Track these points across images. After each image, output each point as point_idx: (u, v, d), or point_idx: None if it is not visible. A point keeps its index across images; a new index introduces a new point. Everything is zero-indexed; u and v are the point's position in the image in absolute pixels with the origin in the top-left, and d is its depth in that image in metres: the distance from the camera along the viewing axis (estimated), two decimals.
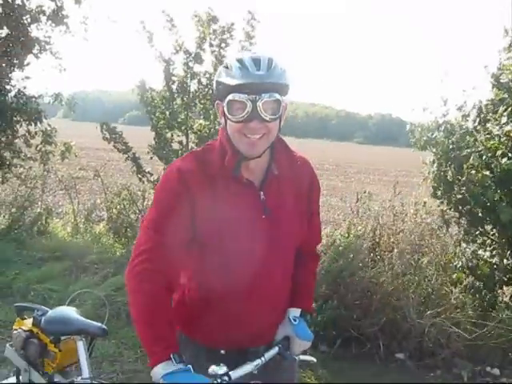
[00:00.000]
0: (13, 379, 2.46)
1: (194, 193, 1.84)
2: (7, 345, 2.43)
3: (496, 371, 4.53)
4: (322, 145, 59.20)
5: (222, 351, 1.99)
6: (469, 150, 4.65)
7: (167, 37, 6.59)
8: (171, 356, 1.71)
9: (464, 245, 5.12)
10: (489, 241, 5.01)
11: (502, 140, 4.54)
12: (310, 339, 2.08)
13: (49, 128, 8.02)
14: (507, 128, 4.50)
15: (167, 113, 6.68)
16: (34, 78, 8.18)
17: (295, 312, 2.11)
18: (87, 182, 9.83)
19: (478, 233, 5.01)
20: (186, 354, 1.90)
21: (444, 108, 5.08)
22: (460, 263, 4.93)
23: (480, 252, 5.06)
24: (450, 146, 4.84)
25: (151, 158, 6.89)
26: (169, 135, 6.82)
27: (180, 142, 6.84)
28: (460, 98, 5.05)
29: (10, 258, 6.50)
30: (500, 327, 4.63)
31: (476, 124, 4.97)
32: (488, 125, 4.80)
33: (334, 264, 5.03)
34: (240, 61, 1.80)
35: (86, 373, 2.22)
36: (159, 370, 1.70)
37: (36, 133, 7.98)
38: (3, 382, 2.54)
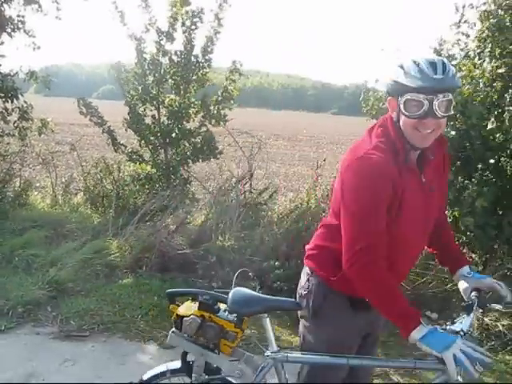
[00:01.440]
0: (177, 363, 2.52)
1: (391, 180, 2.07)
2: (170, 332, 2.44)
3: (435, 315, 5.06)
4: (297, 116, 59.41)
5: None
6: None
7: (139, 15, 6.97)
8: (421, 322, 2.01)
9: None
10: None
11: None
12: (489, 276, 2.39)
13: (25, 105, 8.20)
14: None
15: (140, 88, 7.07)
16: (8, 56, 8.33)
17: (465, 269, 2.39)
18: (64, 157, 10.13)
19: None
20: (329, 302, 2.33)
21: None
22: None
23: None
24: None
25: (126, 130, 7.30)
26: (141, 110, 7.22)
27: (153, 116, 7.25)
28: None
29: None
30: (439, 277, 5.16)
31: None
32: None
33: (295, 225, 5.52)
34: (416, 63, 2.01)
35: (274, 347, 2.33)
36: (415, 336, 1.98)
37: (13, 109, 8.14)
38: (169, 365, 2.55)
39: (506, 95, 5.01)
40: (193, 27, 6.88)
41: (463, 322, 2.10)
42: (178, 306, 2.44)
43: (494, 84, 5.06)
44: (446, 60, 2.07)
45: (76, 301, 5.15)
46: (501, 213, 5.17)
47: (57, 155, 8.99)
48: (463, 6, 5.42)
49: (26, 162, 8.70)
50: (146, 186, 7.33)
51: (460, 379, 1.95)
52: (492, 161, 5.03)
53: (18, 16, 8.15)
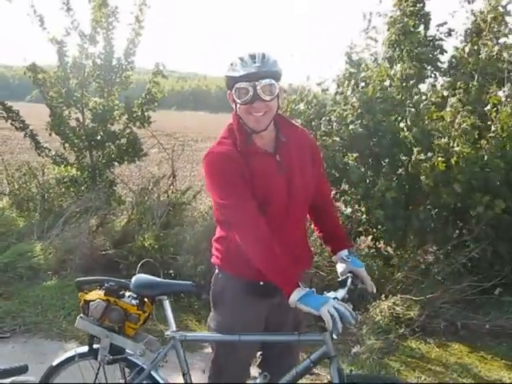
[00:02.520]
0: (85, 348, 2.68)
1: (237, 168, 2.32)
2: (78, 317, 2.59)
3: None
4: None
5: (261, 282, 2.40)
6: (323, 119, 5.41)
7: (60, 19, 6.99)
8: (299, 284, 2.20)
9: None
10: (348, 198, 5.77)
11: (349, 109, 5.29)
12: (363, 265, 2.56)
13: None
14: (353, 99, 5.28)
15: (63, 91, 7.07)
16: None
17: (343, 252, 2.60)
18: None
19: (337, 192, 5.76)
20: (228, 290, 2.51)
21: (307, 83, 5.82)
22: None
23: (344, 209, 5.84)
24: (311, 116, 5.57)
25: (50, 134, 7.29)
26: (66, 113, 7.22)
27: (77, 119, 7.26)
28: (320, 74, 5.79)
29: None
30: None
31: (334, 96, 5.76)
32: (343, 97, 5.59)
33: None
34: (240, 58, 2.30)
35: (173, 327, 2.54)
36: (294, 297, 2.17)
37: None
38: (77, 349, 2.74)
39: (411, 94, 5.35)
40: (110, 27, 6.93)
41: (338, 292, 2.32)
42: (86, 293, 2.61)
43: (404, 84, 5.39)
44: (267, 51, 2.34)
45: None
46: (411, 208, 5.47)
47: None
48: (370, 13, 5.74)
49: None
50: (72, 189, 7.32)
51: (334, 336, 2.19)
52: (404, 157, 5.31)
53: None
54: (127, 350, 2.56)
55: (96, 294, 2.58)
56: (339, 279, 2.50)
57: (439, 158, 4.77)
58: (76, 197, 7.07)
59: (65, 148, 7.31)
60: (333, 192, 5.77)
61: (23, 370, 2.49)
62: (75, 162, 7.37)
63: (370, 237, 5.83)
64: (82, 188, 7.25)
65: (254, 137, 2.40)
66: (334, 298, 2.20)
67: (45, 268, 5.87)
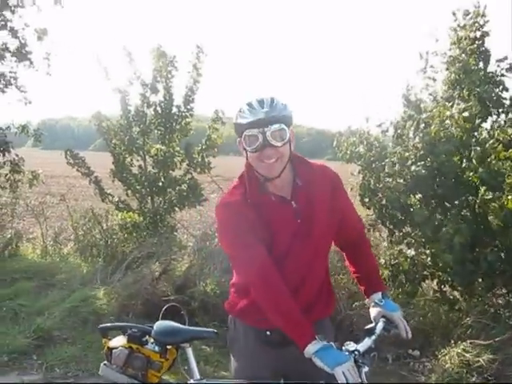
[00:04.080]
0: None
1: (245, 216, 2.25)
2: (102, 364, 2.58)
3: (416, 353, 5.12)
4: None
5: (268, 332, 2.38)
6: (386, 161, 5.33)
7: (123, 69, 7.24)
8: (316, 337, 2.13)
9: (387, 244, 5.75)
10: (412, 240, 5.62)
11: (411, 150, 5.19)
12: (399, 308, 2.43)
13: (16, 158, 8.39)
14: (415, 140, 5.18)
15: (126, 139, 7.28)
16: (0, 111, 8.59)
17: (377, 295, 2.46)
18: (57, 208, 10.31)
19: (401, 234, 5.63)
20: (238, 337, 2.50)
21: (366, 125, 5.76)
22: (383, 261, 5.56)
23: (407, 251, 5.69)
24: (371, 159, 5.50)
25: (113, 181, 7.48)
26: (128, 160, 7.42)
27: (139, 166, 7.44)
28: (379, 116, 5.73)
29: None
30: (419, 315, 5.24)
31: (394, 138, 5.68)
32: (404, 138, 5.50)
33: None
34: (249, 104, 2.23)
35: (196, 375, 2.48)
36: (309, 350, 2.08)
37: (4, 163, 8.31)
38: None
39: (475, 134, 5.21)
40: (169, 76, 7.12)
41: (362, 344, 2.20)
42: (110, 339, 2.61)
43: (463, 123, 5.26)
44: (275, 97, 2.26)
45: (61, 348, 5.20)
46: (477, 249, 5.27)
47: (47, 206, 9.13)
48: (427, 53, 5.66)
49: (17, 213, 8.83)
50: (134, 235, 7.44)
51: None
52: (470, 198, 5.16)
53: (11, 72, 8.44)
54: None
55: (119, 341, 2.56)
56: (366, 327, 2.36)
57: (509, 197, 4.58)
58: (138, 242, 7.17)
59: (127, 194, 7.48)
60: (396, 234, 5.65)
61: None
62: (137, 207, 7.51)
63: (435, 281, 5.63)
64: (144, 233, 7.35)
65: (268, 184, 2.32)
66: (355, 351, 2.11)
67: (108, 313, 5.90)
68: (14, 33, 8.23)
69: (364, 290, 2.56)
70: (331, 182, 2.45)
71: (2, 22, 7.97)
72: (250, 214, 2.27)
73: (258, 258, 2.23)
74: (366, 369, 2.10)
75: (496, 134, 4.98)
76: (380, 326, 2.34)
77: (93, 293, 6.26)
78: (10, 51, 8.34)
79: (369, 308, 2.51)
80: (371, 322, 2.45)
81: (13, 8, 8.17)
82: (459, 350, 4.73)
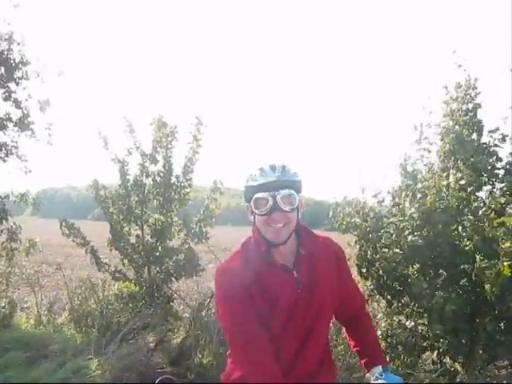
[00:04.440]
0: None
1: (243, 284, 2.25)
2: None
3: None
4: None
5: None
6: (382, 231, 5.34)
7: (123, 139, 7.35)
8: None
9: (383, 316, 5.69)
10: (410, 311, 5.56)
11: (407, 221, 5.21)
12: (401, 380, 2.44)
13: (14, 226, 8.39)
14: (411, 210, 5.21)
15: (124, 208, 7.31)
16: (0, 179, 8.64)
17: (377, 369, 2.46)
18: (53, 277, 10.25)
19: (399, 304, 5.57)
20: None
21: (362, 195, 5.82)
22: (379, 332, 5.48)
23: (406, 322, 5.62)
24: (368, 229, 5.52)
25: (110, 250, 7.46)
26: (126, 229, 7.42)
27: (137, 236, 7.44)
28: (374, 187, 5.79)
29: None
30: None
31: (390, 207, 5.72)
32: (400, 207, 5.54)
33: None
34: (260, 168, 2.29)
35: None
36: None
37: (2, 231, 8.29)
38: None
39: (470, 202, 5.24)
40: (169, 146, 7.22)
41: None
42: None
43: (460, 193, 5.31)
44: (287, 163, 2.31)
45: None
46: (477, 320, 5.20)
47: (43, 275, 9.06)
48: (421, 125, 5.78)
49: (12, 282, 8.75)
50: (130, 305, 7.35)
51: None
52: (466, 266, 5.13)
53: (12, 141, 8.56)
54: None
55: None
56: None
57: (505, 263, 4.57)
58: (134, 313, 7.07)
59: (123, 264, 7.44)
60: (394, 305, 5.60)
61: None
62: (134, 277, 7.46)
63: (435, 352, 5.53)
64: (140, 304, 7.27)
65: (273, 251, 2.33)
66: None
67: None
68: (17, 104, 8.41)
69: (364, 364, 2.54)
70: (335, 254, 2.48)
71: (7, 93, 8.13)
72: (248, 280, 2.26)
73: (245, 335, 2.23)
74: None
75: (488, 202, 5.02)
76: None
77: (86, 363, 6.13)
78: (12, 121, 8.49)
79: (368, 381, 2.48)
80: None
81: (17, 80, 8.39)
82: None
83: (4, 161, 8.49)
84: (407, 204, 5.31)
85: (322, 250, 2.43)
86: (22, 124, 8.51)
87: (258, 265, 2.31)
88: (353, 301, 2.60)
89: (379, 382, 2.39)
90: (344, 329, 2.71)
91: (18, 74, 8.35)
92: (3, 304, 8.25)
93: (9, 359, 6.39)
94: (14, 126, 8.49)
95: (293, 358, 2.30)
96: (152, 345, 6.10)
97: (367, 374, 2.51)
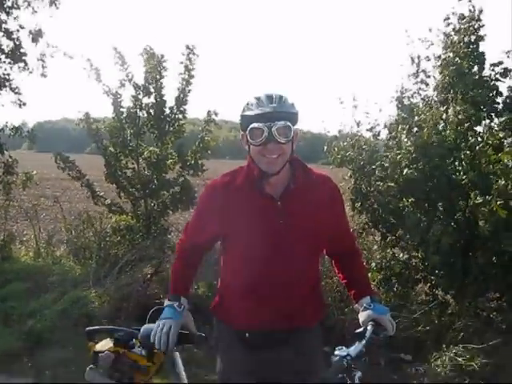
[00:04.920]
0: None
1: (221, 203, 2.36)
2: (87, 368, 2.51)
3: (409, 357, 5.12)
4: None
5: (247, 334, 2.44)
6: (377, 164, 5.33)
7: (115, 72, 7.22)
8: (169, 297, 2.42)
9: (377, 249, 5.77)
10: (405, 244, 5.62)
11: (404, 154, 5.19)
12: (388, 311, 2.43)
13: (10, 159, 8.38)
14: (408, 144, 5.18)
15: (119, 141, 7.26)
16: None
17: (365, 300, 2.47)
18: (51, 210, 10.29)
19: (393, 238, 5.62)
20: (221, 337, 2.57)
21: (357, 129, 5.77)
22: (374, 264, 5.56)
23: (400, 255, 5.69)
24: (362, 163, 5.50)
25: (107, 182, 7.47)
26: (123, 162, 7.40)
27: (133, 169, 7.42)
28: (370, 120, 5.74)
29: None
30: (411, 319, 5.23)
31: (386, 141, 5.70)
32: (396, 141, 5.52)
33: None
34: (257, 98, 2.26)
35: (184, 379, 2.54)
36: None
37: None
38: None
39: (468, 136, 5.20)
40: (158, 77, 7.10)
41: (353, 348, 2.17)
42: (97, 343, 2.55)
43: (459, 128, 5.26)
44: (284, 94, 2.29)
45: (52, 351, 5.20)
46: (470, 253, 5.27)
47: (41, 209, 9.11)
48: (419, 57, 5.67)
49: (10, 215, 8.80)
50: (127, 237, 7.41)
51: None
52: (461, 202, 5.14)
53: (4, 74, 8.42)
54: None
55: (106, 345, 2.52)
56: (356, 331, 2.35)
57: (498, 202, 4.58)
58: (131, 245, 7.14)
59: (120, 197, 7.45)
60: (389, 238, 5.65)
61: None
62: (131, 210, 7.49)
63: (427, 284, 5.62)
64: (137, 236, 7.33)
65: (264, 181, 2.34)
66: (346, 356, 2.09)
67: (100, 316, 5.88)
68: (8, 34, 8.22)
69: (353, 295, 2.57)
70: (329, 191, 2.47)
71: None
72: (225, 199, 2.37)
73: (183, 246, 2.62)
74: (358, 373, 2.09)
75: (485, 138, 4.98)
76: (369, 329, 2.32)
77: (84, 294, 6.25)
78: (4, 52, 8.32)
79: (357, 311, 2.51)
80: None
81: (8, 9, 8.17)
82: (451, 354, 4.74)
83: None
84: (403, 137, 5.28)
85: (314, 185, 2.42)
86: (14, 55, 8.35)
87: (243, 189, 2.35)
88: (343, 239, 2.61)
89: (366, 312, 2.41)
90: (333, 263, 2.74)
91: (8, 3, 8.14)
92: (2, 237, 8.33)
93: (9, 290, 6.52)
94: (6, 57, 8.34)
95: (272, 289, 2.36)
96: (148, 275, 6.19)
97: (355, 305, 2.54)
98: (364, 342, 2.24)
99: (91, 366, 2.51)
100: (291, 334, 2.44)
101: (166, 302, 2.41)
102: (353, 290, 2.57)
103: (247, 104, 2.30)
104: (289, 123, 2.23)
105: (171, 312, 2.35)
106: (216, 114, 7.35)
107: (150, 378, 2.48)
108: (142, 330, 2.44)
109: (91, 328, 2.67)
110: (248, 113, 2.27)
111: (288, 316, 2.38)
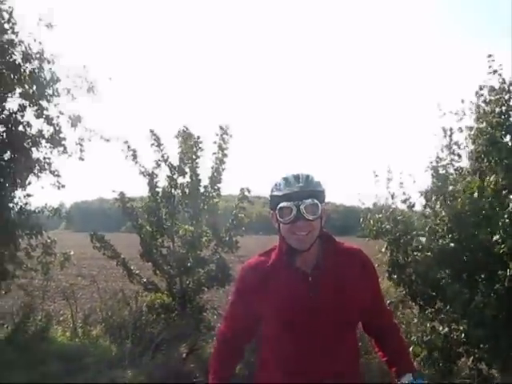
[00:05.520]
0: None
1: (257, 282, 2.40)
2: None
3: None
4: None
5: None
6: (413, 233, 5.31)
7: (151, 153, 7.43)
8: None
9: (417, 321, 5.63)
10: (444, 316, 5.50)
11: (439, 224, 5.17)
12: None
13: (48, 240, 8.53)
14: (442, 214, 5.17)
15: (154, 220, 7.38)
16: (34, 195, 8.78)
17: (407, 377, 2.44)
18: (88, 289, 10.38)
19: (432, 310, 5.51)
20: None
21: (392, 201, 5.79)
22: (415, 338, 5.42)
23: (439, 328, 5.55)
24: (398, 234, 5.49)
25: (143, 260, 7.54)
26: (159, 241, 7.49)
27: (168, 247, 7.49)
28: (404, 191, 5.76)
29: (14, 361, 6.81)
30: None
31: (422, 209, 5.70)
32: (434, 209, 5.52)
33: None
34: (285, 178, 2.36)
35: None
36: None
37: (37, 245, 8.37)
38: None
39: (505, 204, 5.16)
40: (194, 157, 7.26)
41: None
42: None
43: (495, 196, 5.24)
44: (310, 173, 2.38)
45: None
46: None
47: (78, 288, 9.19)
48: (451, 129, 5.75)
49: (48, 295, 8.89)
50: (163, 316, 7.40)
51: None
52: (500, 272, 5.05)
53: (45, 158, 8.71)
54: None
55: None
56: None
57: None
58: (166, 323, 7.12)
59: (156, 274, 7.49)
60: (428, 311, 5.54)
61: None
62: (166, 288, 7.51)
63: (471, 358, 5.44)
64: (172, 315, 7.31)
65: (296, 258, 2.38)
66: None
67: None
68: (49, 120, 8.56)
69: (394, 372, 2.51)
70: (361, 264, 2.48)
71: (39, 111, 8.27)
72: (262, 276, 2.39)
73: (226, 329, 2.57)
74: None
75: None
76: None
77: (121, 374, 6.20)
78: (44, 138, 8.63)
79: None
80: None
81: (48, 97, 8.55)
82: None
83: (38, 176, 8.63)
84: (438, 207, 5.27)
85: (345, 259, 2.43)
86: (54, 140, 8.62)
87: (276, 266, 2.40)
88: (379, 313, 2.59)
89: None
90: (373, 341, 2.69)
91: (49, 91, 8.52)
92: (40, 317, 8.38)
93: (46, 371, 6.48)
94: (47, 142, 8.63)
95: (302, 363, 2.34)
96: (184, 354, 6.13)
97: (398, 383, 2.47)
98: None
99: None
100: None
101: None
102: (394, 366, 2.52)
103: (275, 184, 2.39)
104: (316, 201, 2.30)
105: None
106: (249, 191, 7.45)
107: None
108: None
109: None
110: (276, 193, 2.36)
111: None
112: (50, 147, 8.64)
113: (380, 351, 2.62)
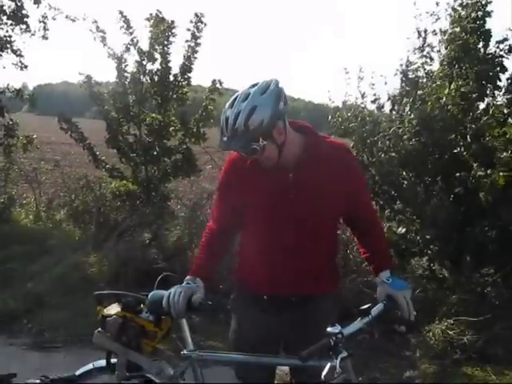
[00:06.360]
0: (102, 362, 2.58)
1: (240, 175, 2.40)
2: (95, 332, 2.50)
3: (403, 328, 5.16)
4: None
5: (265, 296, 2.46)
6: (379, 135, 5.33)
7: (120, 36, 7.14)
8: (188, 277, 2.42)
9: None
10: (403, 217, 5.63)
11: (406, 126, 5.19)
12: (408, 287, 2.35)
13: (10, 122, 8.33)
14: (411, 116, 5.18)
15: (121, 106, 7.22)
16: None
17: (385, 274, 2.39)
18: (52, 174, 10.29)
19: (392, 211, 5.63)
20: (238, 299, 2.64)
21: (361, 100, 5.76)
22: None
23: (397, 229, 5.69)
24: (364, 134, 5.50)
25: (108, 147, 7.45)
26: (126, 128, 7.37)
27: (135, 135, 7.39)
28: (374, 92, 5.73)
29: None
30: None
31: (389, 113, 5.69)
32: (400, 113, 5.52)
33: None
34: (221, 126, 2.21)
35: (190, 345, 2.44)
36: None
37: None
38: (95, 363, 2.63)
39: (472, 111, 5.19)
40: (166, 43, 7.05)
41: (350, 325, 2.12)
42: (105, 307, 2.55)
43: (461, 101, 5.24)
44: (243, 111, 2.14)
45: (51, 313, 5.24)
46: (468, 229, 5.28)
47: (41, 172, 9.10)
48: (425, 31, 5.63)
49: (10, 178, 8.80)
50: (127, 203, 7.43)
51: None
52: (462, 174, 5.13)
53: (5, 36, 8.33)
54: (144, 368, 2.50)
55: (113, 309, 2.51)
56: (361, 307, 2.24)
57: (500, 173, 4.58)
58: (131, 211, 7.16)
59: (122, 162, 7.44)
60: (387, 211, 5.66)
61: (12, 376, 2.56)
62: (131, 176, 7.48)
63: (424, 258, 5.64)
64: (137, 202, 7.34)
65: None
66: (338, 334, 2.00)
67: (99, 280, 5.92)
68: None
69: (373, 269, 2.53)
70: (347, 164, 2.44)
71: None
72: (245, 170, 2.37)
73: (212, 222, 2.57)
74: (342, 354, 2.01)
75: (491, 111, 4.97)
76: (378, 306, 2.24)
77: (84, 259, 6.29)
78: (6, 14, 8.22)
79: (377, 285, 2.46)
80: (361, 296, 2.44)
81: None
82: (443, 327, 4.77)
83: None
84: (407, 110, 5.27)
85: (329, 158, 2.37)
86: (16, 17, 8.24)
87: (256, 162, 2.33)
88: (363, 205, 2.58)
89: (383, 286, 2.36)
90: (356, 237, 2.73)
91: None
92: (2, 200, 8.33)
93: (10, 253, 6.54)
94: (8, 18, 8.23)
95: (281, 256, 2.37)
96: (147, 241, 6.22)
97: (376, 279, 2.49)
98: (367, 319, 2.17)
99: (99, 329, 2.52)
100: (301, 302, 2.44)
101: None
102: (373, 263, 2.54)
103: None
104: (245, 150, 2.23)
105: (184, 284, 2.38)
106: (221, 83, 7.32)
107: (156, 343, 2.48)
108: (150, 296, 2.44)
109: (100, 292, 2.66)
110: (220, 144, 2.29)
111: (299, 284, 2.39)
112: (12, 24, 8.27)
113: (361, 248, 2.63)
